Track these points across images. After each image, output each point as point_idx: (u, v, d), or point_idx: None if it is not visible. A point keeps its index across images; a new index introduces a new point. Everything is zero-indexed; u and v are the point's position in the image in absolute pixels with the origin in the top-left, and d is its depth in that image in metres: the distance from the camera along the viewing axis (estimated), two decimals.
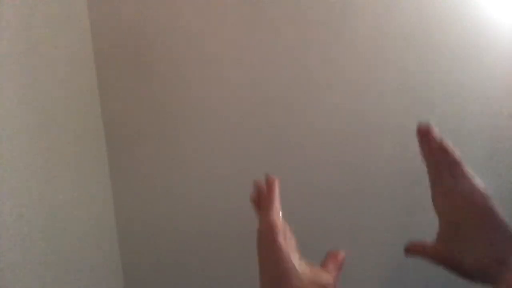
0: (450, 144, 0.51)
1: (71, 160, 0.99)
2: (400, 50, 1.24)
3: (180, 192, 1.25)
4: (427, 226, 1.42)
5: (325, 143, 1.26)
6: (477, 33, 1.26)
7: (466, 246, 0.44)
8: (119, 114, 1.18)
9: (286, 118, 1.23)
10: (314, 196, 1.29)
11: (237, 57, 1.18)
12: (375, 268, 1.36)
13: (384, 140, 1.28)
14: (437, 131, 0.51)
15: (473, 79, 1.28)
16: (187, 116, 1.20)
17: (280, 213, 0.54)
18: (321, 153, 1.27)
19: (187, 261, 1.30)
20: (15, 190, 0.76)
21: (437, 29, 1.24)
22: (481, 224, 0.44)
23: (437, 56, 1.25)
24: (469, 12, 1.24)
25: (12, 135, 0.76)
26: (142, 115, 1.19)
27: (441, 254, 0.48)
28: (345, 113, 1.25)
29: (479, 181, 0.49)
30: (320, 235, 1.30)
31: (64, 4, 0.98)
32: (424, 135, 0.51)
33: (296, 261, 0.45)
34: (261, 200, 0.56)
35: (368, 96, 1.25)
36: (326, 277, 0.48)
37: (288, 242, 0.48)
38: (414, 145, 1.29)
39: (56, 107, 0.93)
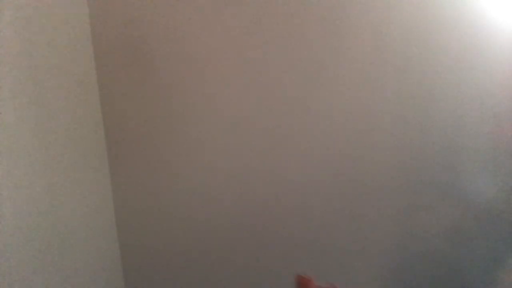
0: None
1: (71, 160, 0.99)
2: (400, 50, 1.23)
3: (180, 192, 1.25)
4: (427, 226, 1.42)
5: (325, 143, 1.26)
6: (477, 33, 1.26)
7: None
8: (119, 114, 1.18)
9: (286, 119, 1.23)
10: (314, 196, 1.29)
11: (237, 57, 1.18)
12: (375, 268, 1.36)
13: (384, 140, 1.28)
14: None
15: (473, 79, 1.28)
16: (187, 116, 1.20)
17: None
18: (321, 154, 1.27)
19: (187, 261, 1.30)
20: (15, 190, 0.76)
21: (437, 29, 1.24)
22: None
23: (437, 56, 1.25)
24: (469, 12, 1.24)
25: (12, 135, 0.76)
26: (142, 115, 1.19)
27: None
28: (344, 113, 1.25)
29: None
30: (321, 235, 1.30)
31: (64, 4, 0.98)
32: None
33: None
34: None
35: (368, 96, 1.25)
36: None
37: None
38: (414, 145, 1.29)
39: (56, 107, 0.93)
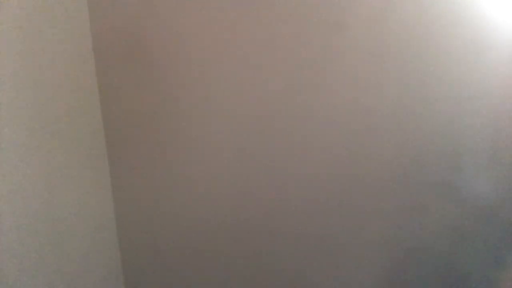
0: None
1: (71, 160, 0.99)
2: (399, 50, 1.23)
3: (181, 192, 1.25)
4: (426, 226, 1.42)
5: (324, 144, 1.26)
6: (477, 33, 1.26)
7: None
8: (119, 114, 1.18)
9: (286, 118, 1.23)
10: (314, 196, 1.29)
11: (237, 56, 1.18)
12: (374, 267, 1.36)
13: (384, 140, 1.28)
14: None
15: (473, 79, 1.28)
16: (187, 116, 1.20)
17: None
18: (320, 154, 1.26)
19: (187, 261, 1.30)
20: (15, 189, 0.76)
21: (437, 29, 1.24)
22: None
23: (437, 56, 1.25)
24: (469, 12, 1.24)
25: (12, 135, 0.76)
26: (142, 115, 1.19)
27: None
28: (343, 113, 1.25)
29: None
30: (319, 235, 1.30)
31: (64, 4, 0.98)
32: None
33: None
34: None
35: (367, 96, 1.25)
36: None
37: None
38: (414, 145, 1.30)
39: (56, 107, 0.93)
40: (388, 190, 1.31)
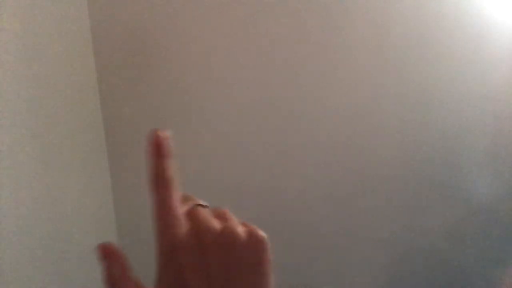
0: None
1: (71, 160, 0.99)
2: (400, 50, 1.24)
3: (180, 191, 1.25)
4: (427, 226, 1.42)
5: (325, 145, 1.26)
6: (477, 33, 1.26)
7: None
8: (119, 114, 1.18)
9: (287, 119, 1.23)
10: (315, 197, 1.29)
11: (237, 57, 1.18)
12: (375, 267, 1.36)
13: (384, 141, 1.28)
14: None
15: (473, 79, 1.28)
16: (187, 116, 1.20)
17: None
18: (321, 155, 1.27)
19: None
20: (15, 190, 0.76)
21: (437, 29, 1.24)
22: None
23: (437, 57, 1.25)
24: (469, 12, 1.24)
25: (12, 135, 0.76)
26: (142, 115, 1.19)
27: None
28: (345, 114, 1.25)
29: None
30: (320, 234, 1.30)
31: (64, 4, 0.98)
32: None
33: None
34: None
35: (367, 97, 1.25)
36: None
37: None
38: (413, 145, 1.29)
39: (56, 107, 0.93)
40: (388, 190, 1.31)
